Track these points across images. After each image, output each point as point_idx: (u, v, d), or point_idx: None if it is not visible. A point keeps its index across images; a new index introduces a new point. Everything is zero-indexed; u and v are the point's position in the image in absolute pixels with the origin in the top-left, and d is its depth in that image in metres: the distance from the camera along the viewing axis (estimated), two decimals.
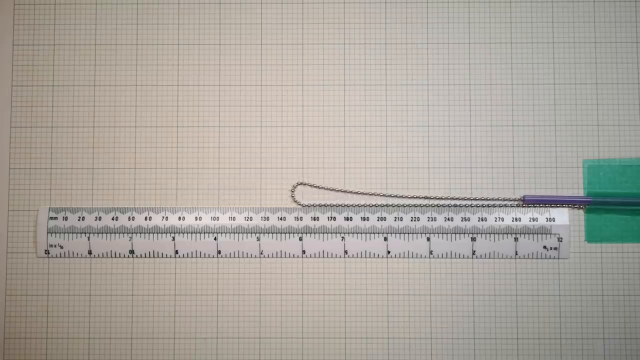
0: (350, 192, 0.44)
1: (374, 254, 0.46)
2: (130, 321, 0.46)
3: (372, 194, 0.45)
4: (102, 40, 0.47)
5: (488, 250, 0.45)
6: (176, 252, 0.46)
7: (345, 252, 0.46)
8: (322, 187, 0.44)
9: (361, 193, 0.44)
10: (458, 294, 0.46)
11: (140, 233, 0.46)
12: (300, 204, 0.45)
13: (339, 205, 0.46)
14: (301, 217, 0.46)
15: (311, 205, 0.45)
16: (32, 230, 0.46)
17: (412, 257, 0.46)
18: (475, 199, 0.46)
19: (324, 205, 0.45)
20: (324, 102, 0.47)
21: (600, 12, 0.47)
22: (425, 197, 0.46)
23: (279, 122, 0.47)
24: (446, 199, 0.46)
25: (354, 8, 0.47)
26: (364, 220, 0.46)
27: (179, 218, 0.46)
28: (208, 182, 0.46)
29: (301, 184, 0.45)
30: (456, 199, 0.46)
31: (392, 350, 0.45)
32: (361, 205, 0.45)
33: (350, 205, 0.45)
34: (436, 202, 0.46)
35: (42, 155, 0.47)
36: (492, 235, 0.45)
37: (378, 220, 0.46)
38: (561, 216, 0.45)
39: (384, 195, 0.45)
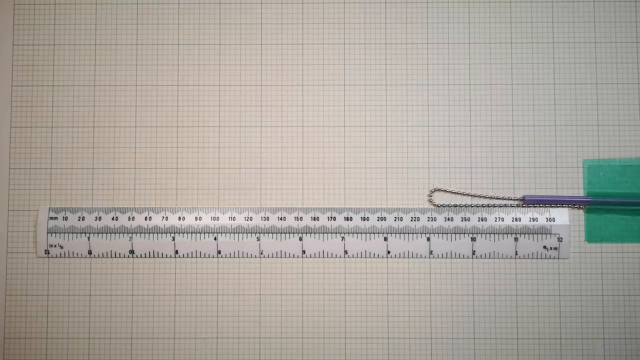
0: (485, 196, 0.45)
1: (374, 254, 0.46)
2: (130, 321, 0.46)
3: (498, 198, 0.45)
4: (102, 40, 0.47)
5: (488, 250, 0.45)
6: (176, 252, 0.46)
7: (345, 252, 0.46)
8: (454, 192, 0.45)
9: (490, 198, 0.45)
10: (458, 294, 0.46)
11: (140, 233, 0.46)
12: (435, 205, 0.46)
13: (469, 206, 0.46)
14: (301, 217, 0.46)
15: (444, 206, 0.45)
16: (32, 230, 0.46)
17: (412, 257, 0.46)
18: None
19: (456, 205, 0.46)
20: (324, 102, 0.47)
21: (600, 12, 0.47)
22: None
23: (279, 122, 0.47)
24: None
25: (354, 8, 0.47)
26: (364, 220, 0.46)
27: (179, 218, 0.46)
28: (208, 182, 0.46)
29: (437, 190, 0.45)
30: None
31: (392, 350, 0.45)
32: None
33: (483, 206, 0.45)
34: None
35: (42, 155, 0.47)
36: (492, 235, 0.45)
37: (378, 220, 0.46)
38: (561, 216, 0.45)
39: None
